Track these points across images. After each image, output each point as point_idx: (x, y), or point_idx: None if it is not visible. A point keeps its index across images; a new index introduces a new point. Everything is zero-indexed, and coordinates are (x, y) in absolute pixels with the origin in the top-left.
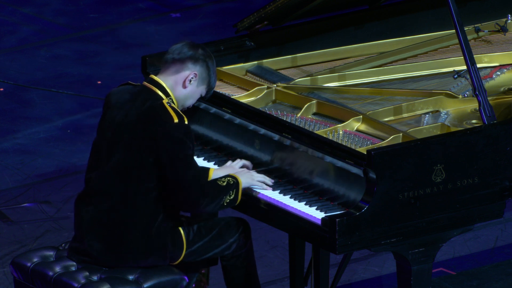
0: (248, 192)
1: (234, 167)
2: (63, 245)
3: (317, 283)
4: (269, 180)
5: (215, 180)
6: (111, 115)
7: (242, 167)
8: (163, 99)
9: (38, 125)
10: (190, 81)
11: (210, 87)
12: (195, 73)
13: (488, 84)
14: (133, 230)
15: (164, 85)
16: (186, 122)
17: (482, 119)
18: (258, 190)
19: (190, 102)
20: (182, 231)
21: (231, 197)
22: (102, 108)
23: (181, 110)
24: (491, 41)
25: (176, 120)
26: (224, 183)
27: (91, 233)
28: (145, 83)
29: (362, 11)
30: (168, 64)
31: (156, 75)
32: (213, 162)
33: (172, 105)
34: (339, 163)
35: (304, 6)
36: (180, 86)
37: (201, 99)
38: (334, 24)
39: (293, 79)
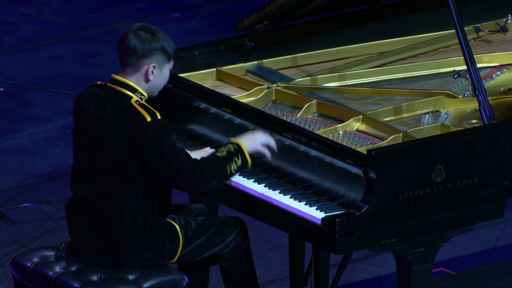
0: (248, 192)
1: (207, 151)
2: (63, 245)
3: (317, 283)
4: (273, 143)
5: (213, 153)
6: (85, 125)
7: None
8: (131, 97)
9: (38, 125)
10: (153, 72)
11: (172, 56)
12: (153, 65)
13: (488, 84)
14: (128, 232)
15: (128, 82)
16: (159, 117)
17: (482, 119)
18: (258, 190)
19: (162, 85)
20: (178, 228)
21: (239, 163)
22: (73, 114)
23: (157, 94)
24: (491, 41)
25: (148, 119)
26: (224, 153)
27: (86, 239)
28: (110, 84)
29: (362, 11)
30: (123, 66)
31: (117, 74)
32: None
33: (142, 101)
34: (339, 163)
35: (304, 6)
36: (144, 81)
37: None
38: (334, 24)
39: (293, 79)
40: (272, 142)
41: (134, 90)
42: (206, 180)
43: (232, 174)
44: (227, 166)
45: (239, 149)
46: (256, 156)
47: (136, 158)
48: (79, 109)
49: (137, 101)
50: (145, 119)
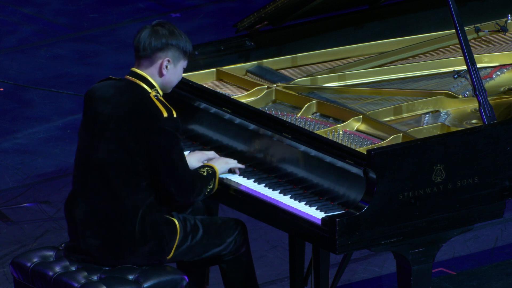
0: (248, 192)
1: (205, 153)
2: (63, 245)
3: (317, 283)
4: (240, 165)
5: (197, 170)
6: (97, 110)
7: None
8: (149, 92)
9: (38, 125)
10: (167, 67)
11: (187, 55)
12: (168, 60)
13: (488, 84)
14: (127, 223)
15: (146, 76)
16: (175, 115)
17: (482, 119)
18: (258, 190)
19: (175, 82)
20: (176, 221)
21: (210, 187)
22: (84, 104)
23: (170, 91)
24: (491, 41)
25: (165, 114)
26: (204, 173)
27: (85, 231)
28: (128, 77)
29: (362, 11)
30: (139, 60)
31: (136, 67)
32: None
33: (160, 97)
34: (339, 163)
35: (304, 6)
36: (157, 76)
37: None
38: (334, 24)
39: (293, 79)
40: (240, 166)
41: (151, 86)
42: (198, 191)
43: (205, 196)
44: (207, 186)
45: (214, 173)
46: (253, 157)
47: (140, 150)
48: (92, 97)
49: (155, 95)
50: (162, 114)
